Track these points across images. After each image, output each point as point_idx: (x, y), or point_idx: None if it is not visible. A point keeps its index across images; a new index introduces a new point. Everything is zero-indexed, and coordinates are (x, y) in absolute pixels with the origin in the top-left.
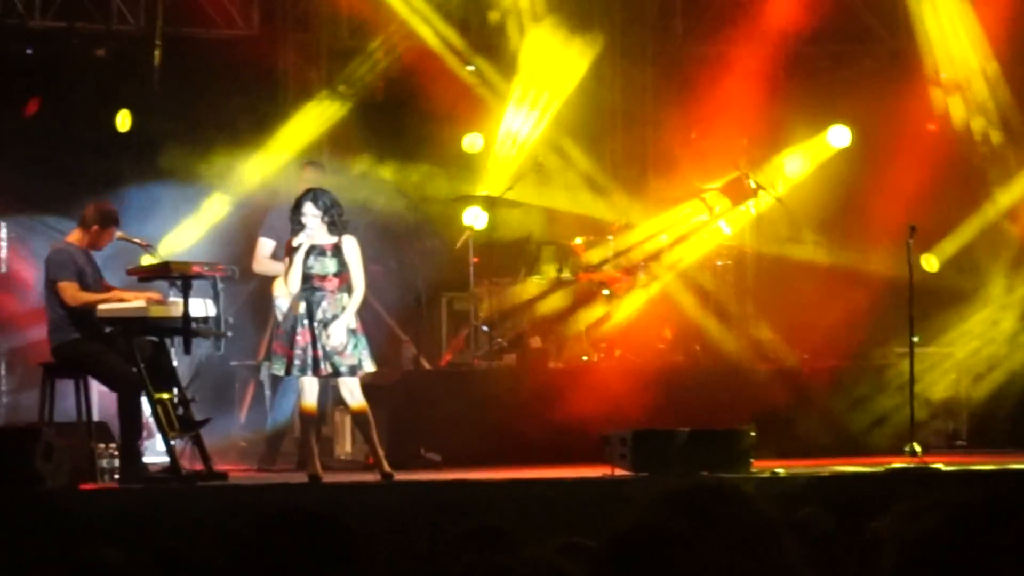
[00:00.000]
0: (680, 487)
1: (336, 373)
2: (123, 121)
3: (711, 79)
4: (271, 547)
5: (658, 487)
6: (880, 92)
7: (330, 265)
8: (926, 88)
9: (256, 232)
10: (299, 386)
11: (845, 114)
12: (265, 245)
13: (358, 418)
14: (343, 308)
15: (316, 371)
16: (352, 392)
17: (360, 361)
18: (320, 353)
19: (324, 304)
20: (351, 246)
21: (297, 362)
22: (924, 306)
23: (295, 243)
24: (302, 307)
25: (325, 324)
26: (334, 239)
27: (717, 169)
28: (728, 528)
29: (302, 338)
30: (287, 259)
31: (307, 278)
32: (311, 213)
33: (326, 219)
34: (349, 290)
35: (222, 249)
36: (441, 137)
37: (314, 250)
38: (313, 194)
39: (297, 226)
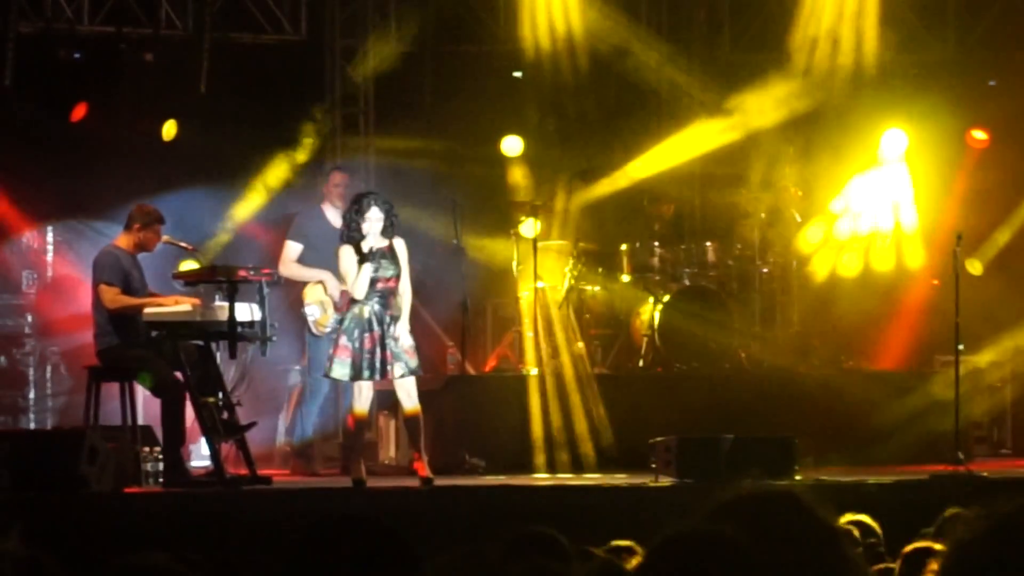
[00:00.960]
0: (737, 494)
1: (410, 373)
2: (168, 131)
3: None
4: (319, 553)
5: (715, 494)
6: (930, 97)
7: (388, 268)
8: (973, 94)
9: (284, 236)
10: (354, 391)
11: (896, 120)
12: (292, 249)
13: (411, 421)
14: (400, 309)
15: (384, 374)
16: (410, 394)
17: (419, 362)
18: (389, 355)
19: (388, 307)
20: (403, 248)
21: (365, 366)
22: (971, 313)
23: (365, 248)
24: (367, 311)
25: (389, 326)
26: (387, 241)
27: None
28: (788, 535)
29: (369, 341)
30: (345, 251)
31: (371, 282)
32: (375, 217)
33: (387, 221)
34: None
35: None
36: (484, 139)
37: (374, 254)
38: (377, 197)
39: (355, 230)
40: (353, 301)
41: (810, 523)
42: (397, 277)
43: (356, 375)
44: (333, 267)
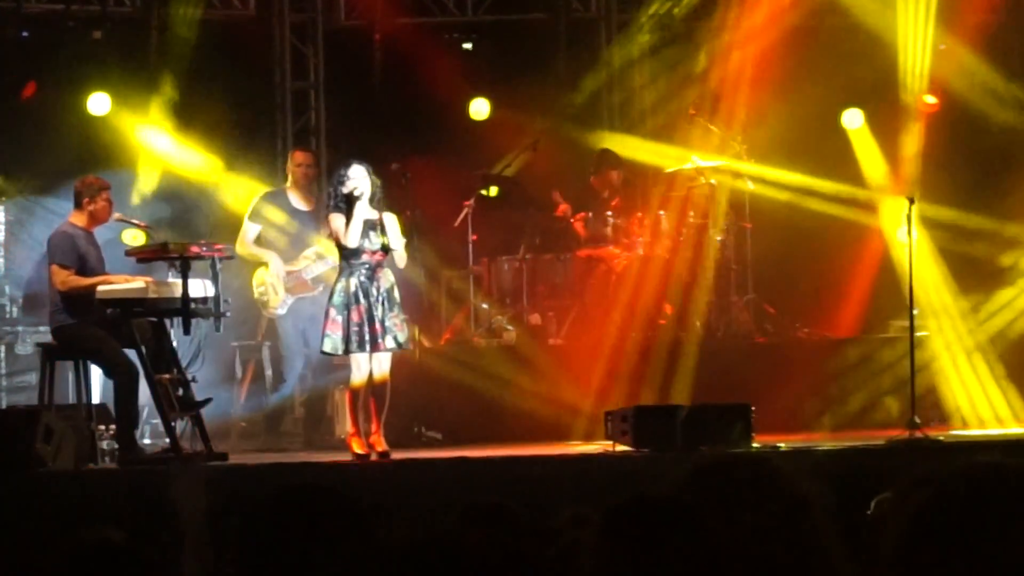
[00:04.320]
0: (711, 461)
1: (399, 346)
2: (98, 104)
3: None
4: (274, 522)
5: (689, 460)
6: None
7: (376, 240)
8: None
9: (242, 214)
10: (352, 365)
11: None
12: (250, 229)
13: (380, 390)
14: (391, 283)
15: (375, 346)
16: (381, 363)
17: (408, 335)
18: (378, 328)
19: (376, 279)
20: (392, 220)
21: (354, 339)
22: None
23: (356, 193)
24: (353, 283)
25: (383, 299)
26: (376, 214)
27: (717, 145)
28: (759, 502)
29: (356, 315)
30: (334, 217)
31: (358, 252)
32: (359, 175)
33: (371, 185)
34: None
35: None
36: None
37: (365, 224)
38: (357, 160)
39: (340, 196)
40: (340, 272)
41: (782, 490)
42: (385, 251)
43: (346, 348)
44: (292, 248)
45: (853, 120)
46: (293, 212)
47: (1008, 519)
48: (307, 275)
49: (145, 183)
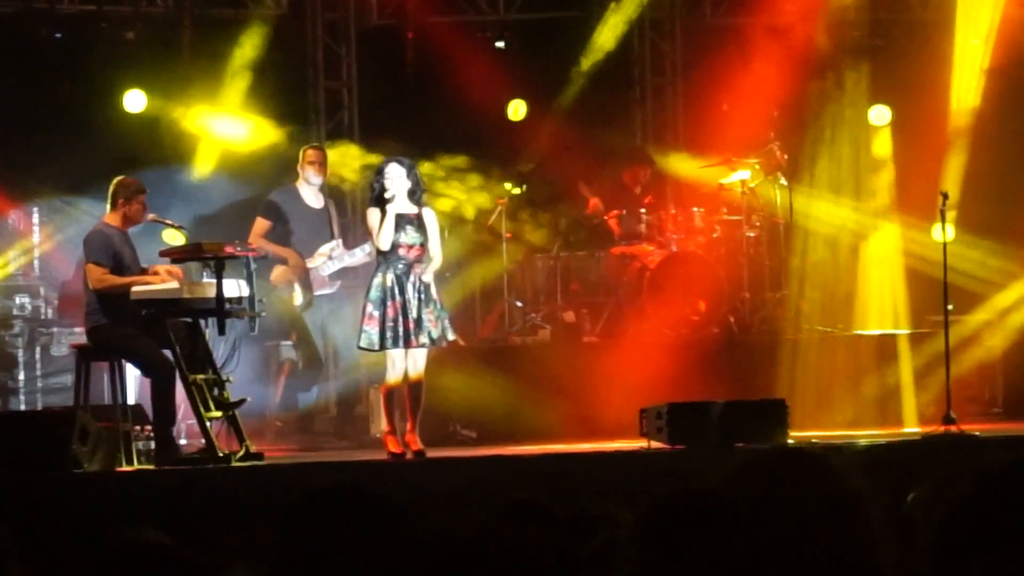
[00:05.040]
0: (762, 456)
1: (432, 343)
2: (134, 101)
3: (741, 52)
4: (310, 521)
5: (742, 456)
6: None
7: (415, 235)
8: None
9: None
10: (387, 362)
11: (879, 86)
12: (260, 225)
13: (415, 388)
14: (428, 278)
15: (408, 343)
16: (416, 362)
17: (444, 331)
18: (412, 325)
19: (412, 275)
20: (431, 217)
21: (389, 335)
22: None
23: (388, 195)
24: (389, 279)
25: (420, 294)
26: (415, 209)
27: (749, 141)
28: (809, 498)
29: (392, 310)
30: (370, 213)
31: (394, 247)
32: (396, 174)
33: (410, 182)
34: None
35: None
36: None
37: (402, 219)
38: (398, 157)
39: (379, 192)
40: (377, 266)
41: (835, 487)
42: (423, 246)
43: (382, 344)
44: (305, 245)
45: (881, 116)
46: (305, 209)
47: None
48: (324, 271)
49: (202, 170)
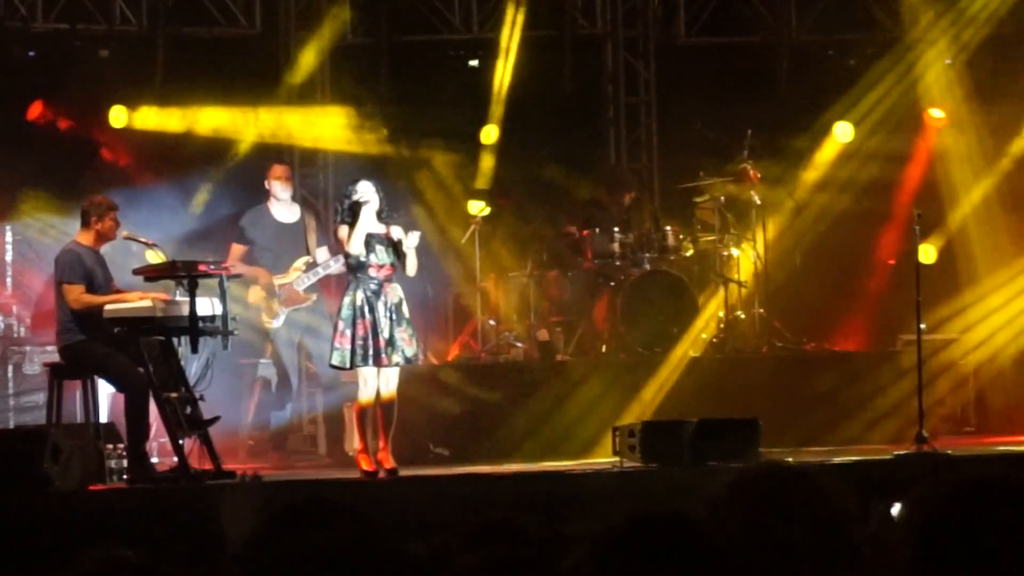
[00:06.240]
0: (749, 474)
1: (407, 361)
2: (117, 117)
3: (714, 71)
4: (282, 538)
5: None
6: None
7: (385, 255)
8: (927, 76)
9: (228, 235)
10: (359, 379)
11: (847, 104)
12: (237, 251)
13: (388, 407)
14: (399, 298)
15: (378, 361)
16: (388, 381)
17: (418, 350)
18: (382, 343)
19: (384, 294)
20: (399, 231)
21: (360, 352)
22: (932, 292)
23: (362, 200)
24: (359, 298)
25: (391, 313)
26: (384, 229)
27: (722, 159)
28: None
29: (362, 328)
30: (341, 228)
31: (364, 267)
32: (366, 190)
33: (379, 201)
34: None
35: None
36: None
37: (372, 238)
38: (367, 178)
39: (348, 210)
40: (348, 285)
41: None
42: (392, 266)
43: (352, 362)
44: (280, 260)
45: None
46: (276, 225)
47: (1010, 533)
48: (299, 286)
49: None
